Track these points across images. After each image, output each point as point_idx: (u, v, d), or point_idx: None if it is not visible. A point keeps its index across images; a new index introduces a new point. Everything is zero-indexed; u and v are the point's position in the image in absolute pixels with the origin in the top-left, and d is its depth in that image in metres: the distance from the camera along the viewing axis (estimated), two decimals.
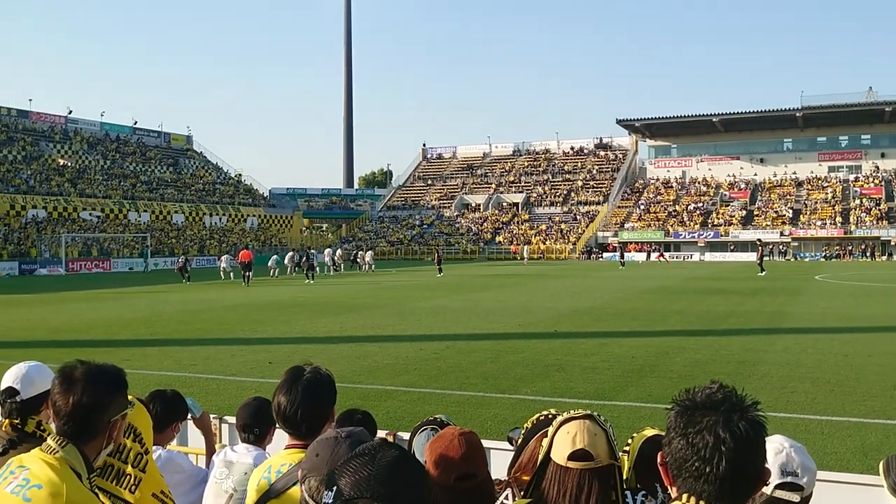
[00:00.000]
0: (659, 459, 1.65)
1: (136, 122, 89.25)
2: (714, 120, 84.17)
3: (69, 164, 74.92)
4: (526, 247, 70.36)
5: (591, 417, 2.15)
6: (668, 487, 1.63)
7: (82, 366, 2.44)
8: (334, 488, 1.44)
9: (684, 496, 1.55)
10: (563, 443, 2.09)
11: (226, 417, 5.87)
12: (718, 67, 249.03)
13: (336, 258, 52.08)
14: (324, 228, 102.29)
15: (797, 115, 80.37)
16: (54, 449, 2.33)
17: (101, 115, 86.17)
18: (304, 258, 42.01)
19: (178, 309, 24.34)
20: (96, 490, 2.40)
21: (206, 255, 66.67)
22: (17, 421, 3.17)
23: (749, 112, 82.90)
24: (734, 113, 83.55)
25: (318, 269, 43.67)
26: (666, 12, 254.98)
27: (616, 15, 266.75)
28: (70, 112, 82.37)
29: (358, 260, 55.99)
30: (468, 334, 17.23)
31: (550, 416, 2.69)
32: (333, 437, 2.19)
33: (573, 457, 2.06)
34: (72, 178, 71.66)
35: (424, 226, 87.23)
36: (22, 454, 2.40)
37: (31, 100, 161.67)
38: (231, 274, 42.78)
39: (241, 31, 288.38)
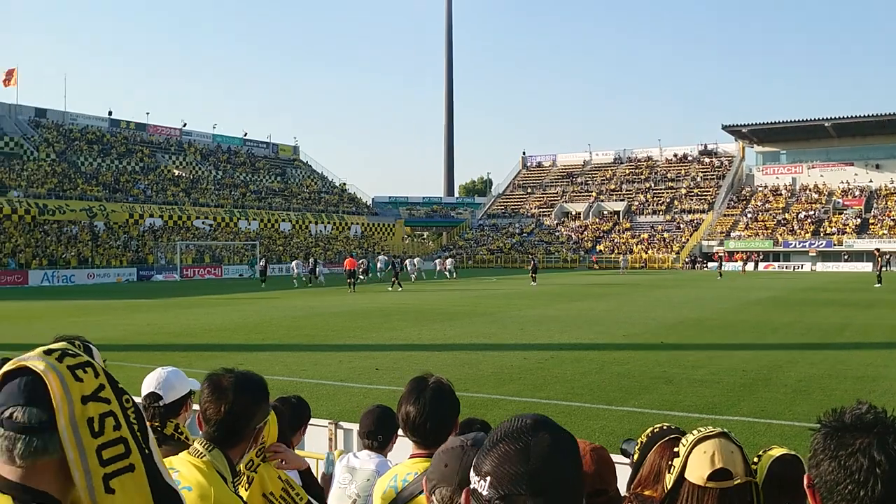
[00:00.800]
0: (806, 482, 1.64)
1: (245, 134, 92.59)
2: (826, 125, 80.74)
3: (183, 174, 78.18)
4: (622, 257, 69.79)
5: (726, 435, 2.14)
6: None
7: (230, 374, 2.56)
8: (488, 479, 1.31)
9: None
10: (701, 462, 2.08)
11: (341, 423, 6.04)
12: (830, 70, 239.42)
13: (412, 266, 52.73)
14: (425, 236, 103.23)
15: None
16: (201, 453, 2.45)
17: (213, 128, 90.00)
18: (393, 266, 42.74)
19: (285, 315, 25.04)
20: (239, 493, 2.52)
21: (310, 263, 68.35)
22: (157, 424, 3.36)
23: (864, 116, 79.12)
24: (848, 117, 79.91)
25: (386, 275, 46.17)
26: (773, 13, 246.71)
27: (720, 17, 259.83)
28: (184, 125, 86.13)
29: (407, 267, 52.63)
30: (572, 344, 17.10)
31: (665, 429, 2.68)
32: (459, 446, 2.22)
33: (713, 477, 2.05)
34: (186, 188, 74.74)
35: (524, 234, 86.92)
36: (171, 457, 2.53)
37: (148, 113, 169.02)
38: (300, 279, 47.03)
39: (344, 43, 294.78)
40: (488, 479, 1.30)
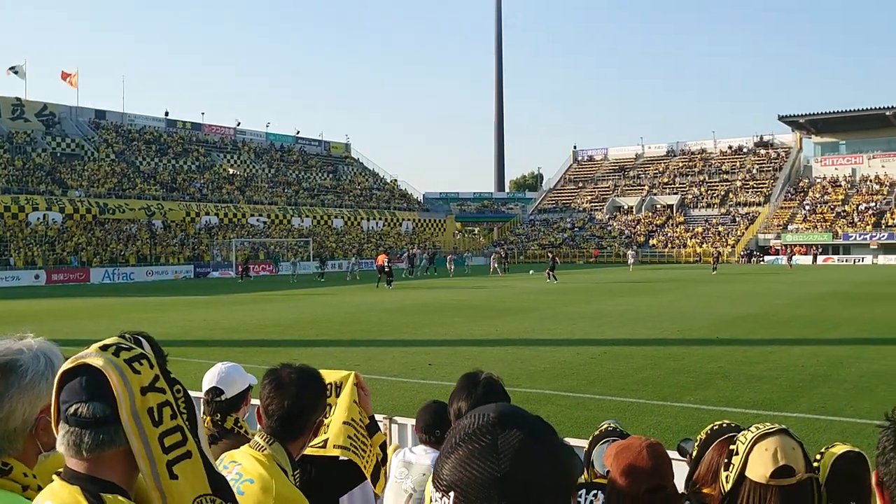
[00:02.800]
0: (874, 479, 1.61)
1: (298, 132, 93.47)
2: (888, 113, 78.48)
3: (238, 172, 79.38)
4: (630, 251, 62.55)
5: (786, 431, 2.12)
6: None
7: (291, 369, 2.60)
8: (451, 495, 1.07)
9: None
10: (763, 460, 2.06)
11: (395, 418, 6.09)
12: (890, 57, 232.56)
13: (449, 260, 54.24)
14: (476, 232, 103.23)
15: None
16: (262, 446, 2.49)
17: (267, 126, 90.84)
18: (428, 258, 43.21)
19: (339, 311, 25.29)
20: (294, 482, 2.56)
21: (364, 259, 68.88)
22: (217, 418, 3.43)
23: None
24: None
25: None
26: (829, 1, 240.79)
27: (775, 6, 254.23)
28: (238, 124, 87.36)
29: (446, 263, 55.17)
30: (625, 339, 16.95)
31: (724, 426, 2.65)
32: None
33: (776, 474, 2.03)
34: (240, 186, 75.88)
35: (576, 228, 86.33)
36: (232, 450, 2.58)
37: (203, 113, 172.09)
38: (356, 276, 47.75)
39: (394, 39, 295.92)
40: (452, 493, 1.07)
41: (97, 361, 1.53)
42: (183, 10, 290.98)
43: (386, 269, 37.63)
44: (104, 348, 1.57)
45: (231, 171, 79.00)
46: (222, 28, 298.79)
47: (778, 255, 71.11)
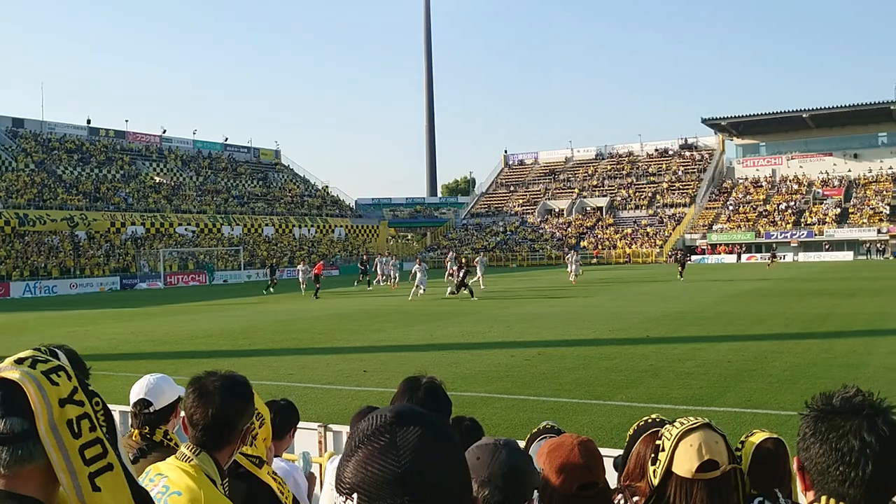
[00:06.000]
0: (795, 464, 1.67)
1: (226, 139, 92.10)
2: (804, 116, 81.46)
3: (165, 181, 77.74)
4: (570, 255, 44.05)
5: (709, 426, 2.17)
6: (804, 492, 1.65)
7: (214, 377, 2.54)
8: (354, 497, 1.06)
9: (823, 499, 1.57)
10: (688, 456, 2.10)
11: (330, 426, 6.05)
12: (807, 62, 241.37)
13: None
14: (409, 237, 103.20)
15: (892, 107, 76.94)
16: (189, 457, 2.43)
17: (194, 133, 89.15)
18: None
19: (272, 319, 24.97)
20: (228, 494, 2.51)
21: (295, 267, 68.21)
22: (146, 431, 3.35)
23: (841, 106, 79.91)
24: (825, 108, 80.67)
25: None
26: (750, 6, 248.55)
27: (698, 11, 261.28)
28: (164, 131, 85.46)
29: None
30: (559, 340, 17.16)
31: (650, 422, 2.70)
32: (493, 444, 2.25)
33: (701, 468, 2.08)
34: (167, 195, 74.33)
35: (508, 232, 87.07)
36: (158, 462, 2.52)
37: (127, 121, 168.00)
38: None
39: (323, 48, 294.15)
40: (356, 495, 1.06)
41: (13, 374, 1.48)
42: (104, 15, 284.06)
43: (322, 278, 37.48)
44: (20, 361, 1.52)
45: (157, 179, 77.31)
46: (146, 33, 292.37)
47: (704, 254, 73.02)
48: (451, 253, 54.67)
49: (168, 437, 3.35)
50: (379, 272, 44.00)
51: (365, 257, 47.97)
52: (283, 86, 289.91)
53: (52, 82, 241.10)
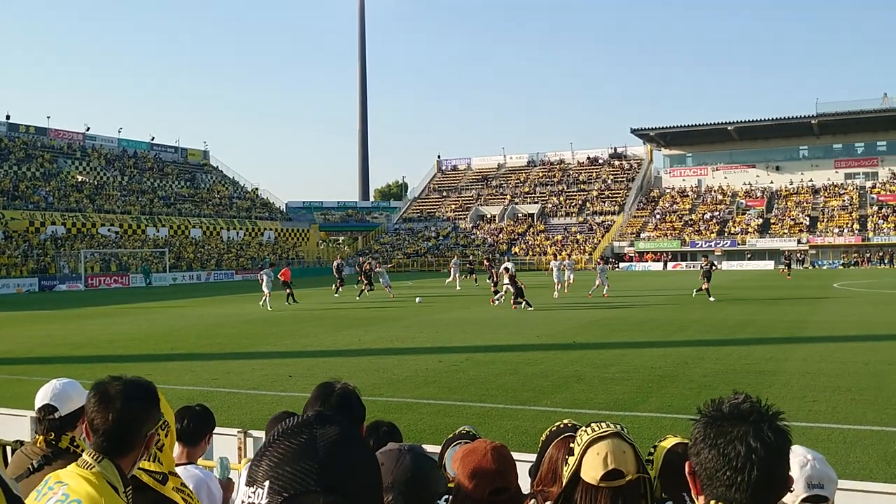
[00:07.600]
0: (687, 469, 1.69)
1: (153, 138, 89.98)
2: (729, 128, 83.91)
3: (87, 180, 75.56)
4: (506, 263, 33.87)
5: (619, 435, 2.18)
6: (695, 496, 1.67)
7: (117, 382, 2.46)
8: (266, 484, 1.07)
9: (712, 503, 1.59)
10: (594, 464, 2.11)
11: (250, 432, 5.94)
12: (733, 76, 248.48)
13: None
14: (340, 241, 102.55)
15: (812, 122, 79.97)
16: (90, 464, 2.35)
17: (119, 132, 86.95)
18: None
19: (196, 323, 24.48)
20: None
21: (223, 270, 67.11)
22: (51, 437, 3.23)
23: (764, 120, 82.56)
24: (749, 121, 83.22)
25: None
26: (679, 21, 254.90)
27: (629, 24, 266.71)
28: (88, 129, 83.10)
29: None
30: (487, 346, 17.24)
31: (563, 427, 2.72)
32: (397, 450, 2.22)
33: (606, 477, 2.09)
34: (90, 195, 72.26)
35: (440, 238, 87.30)
36: (58, 470, 2.42)
37: (48, 117, 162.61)
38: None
39: (255, 47, 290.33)
40: (266, 483, 1.07)
41: None
42: (24, 7, 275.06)
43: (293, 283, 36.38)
44: None
45: (79, 178, 75.08)
46: (69, 27, 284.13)
47: (632, 261, 74.44)
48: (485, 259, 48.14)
49: (75, 443, 3.24)
50: (381, 281, 41.56)
51: (341, 262, 45.30)
52: (213, 86, 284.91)
53: None
